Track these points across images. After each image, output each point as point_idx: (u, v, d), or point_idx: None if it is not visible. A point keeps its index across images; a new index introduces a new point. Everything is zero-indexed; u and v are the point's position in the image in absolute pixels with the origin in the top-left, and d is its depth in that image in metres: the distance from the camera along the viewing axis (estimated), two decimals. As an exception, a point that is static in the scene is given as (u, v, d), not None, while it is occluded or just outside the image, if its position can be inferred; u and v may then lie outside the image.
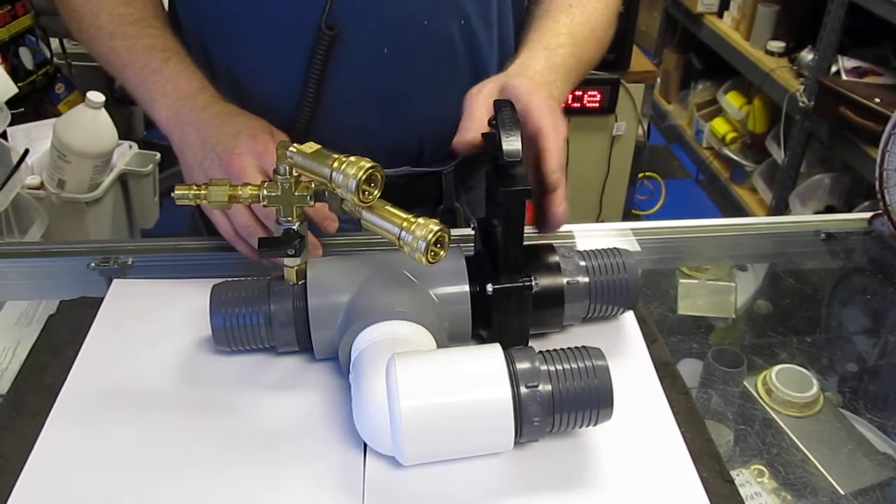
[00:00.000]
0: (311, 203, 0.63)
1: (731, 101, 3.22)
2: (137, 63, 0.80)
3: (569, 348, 0.59)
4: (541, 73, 0.75)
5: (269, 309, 0.65)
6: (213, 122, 0.76)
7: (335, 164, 0.58)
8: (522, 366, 0.57)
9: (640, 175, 2.76)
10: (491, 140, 0.65)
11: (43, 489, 0.57)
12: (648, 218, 2.98)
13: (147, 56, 0.80)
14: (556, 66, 0.78)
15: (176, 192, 0.63)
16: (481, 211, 1.00)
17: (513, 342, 0.61)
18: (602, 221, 2.55)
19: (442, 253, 0.58)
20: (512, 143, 0.61)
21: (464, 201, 0.98)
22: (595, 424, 0.59)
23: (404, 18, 0.81)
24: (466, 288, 0.66)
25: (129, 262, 0.81)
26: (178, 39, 0.85)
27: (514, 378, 0.56)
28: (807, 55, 2.64)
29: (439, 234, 0.57)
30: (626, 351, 0.71)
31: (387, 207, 0.59)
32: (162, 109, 0.79)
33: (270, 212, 0.70)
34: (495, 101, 0.66)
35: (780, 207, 2.75)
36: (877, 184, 0.88)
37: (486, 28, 0.86)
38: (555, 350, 0.59)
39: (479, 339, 0.69)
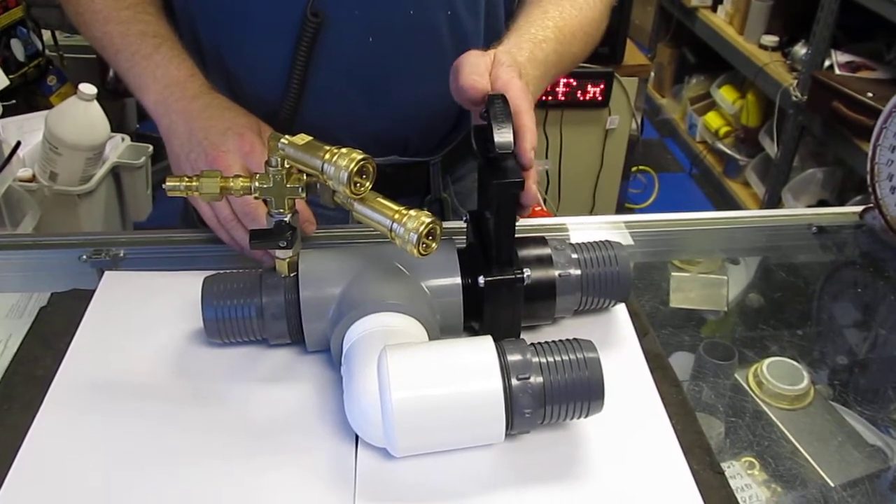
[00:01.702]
0: (303, 195, 0.63)
1: (725, 95, 3.23)
2: (129, 48, 0.81)
3: (560, 340, 0.59)
4: (524, 64, 0.75)
5: (261, 301, 0.65)
6: (202, 114, 0.76)
7: (327, 156, 0.58)
8: (514, 358, 0.57)
9: (634, 169, 2.77)
10: (482, 132, 0.65)
11: (34, 481, 0.57)
12: (642, 212, 2.98)
13: (139, 41, 0.80)
14: (537, 60, 0.77)
15: (167, 183, 0.63)
16: (469, 202, 1.01)
17: (505, 335, 0.61)
18: (595, 215, 2.55)
19: (434, 245, 0.58)
20: (503, 136, 0.61)
21: (451, 192, 0.98)
22: (586, 416, 0.59)
23: (390, 7, 0.81)
24: (458, 280, 0.66)
25: (121, 255, 0.81)
26: (171, 26, 0.85)
27: (506, 370, 0.56)
28: (800, 49, 2.65)
29: (431, 226, 0.57)
30: (617, 343, 0.72)
31: (378, 199, 0.59)
32: (151, 95, 0.79)
33: (249, 210, 0.70)
34: (489, 95, 0.66)
35: (773, 201, 2.76)
36: (868, 178, 0.88)
37: (473, 18, 0.86)
38: (546, 342, 0.59)
39: (471, 331, 0.69)
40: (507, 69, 0.69)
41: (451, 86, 0.71)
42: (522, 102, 0.67)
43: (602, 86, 2.32)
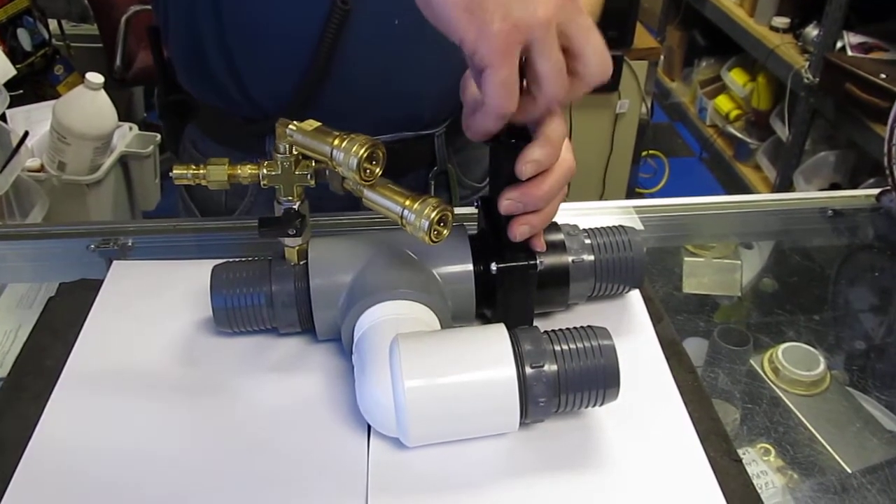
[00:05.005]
0: (312, 182, 0.62)
1: (735, 78, 3.20)
2: None
3: (574, 328, 0.58)
4: None
5: (271, 289, 0.65)
6: None
7: (336, 142, 0.57)
8: (527, 346, 0.56)
9: (644, 153, 2.75)
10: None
11: (45, 471, 0.57)
12: (652, 196, 2.97)
13: None
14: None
15: (174, 171, 0.62)
16: (473, 172, 1.00)
17: (518, 321, 0.60)
18: (605, 199, 2.54)
19: (445, 232, 0.57)
20: None
21: (455, 163, 0.97)
22: (601, 404, 0.58)
23: None
24: (470, 267, 0.65)
25: (129, 244, 0.81)
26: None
27: (520, 358, 0.56)
28: (812, 31, 2.62)
29: (442, 212, 0.56)
30: (632, 330, 0.71)
31: (389, 186, 0.58)
32: None
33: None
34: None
35: (785, 185, 2.74)
36: (885, 160, 0.86)
37: None
38: (560, 329, 0.58)
39: (484, 318, 0.69)
40: None
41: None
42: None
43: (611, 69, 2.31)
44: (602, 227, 0.70)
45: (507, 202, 0.61)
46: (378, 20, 0.81)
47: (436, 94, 0.88)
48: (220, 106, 0.90)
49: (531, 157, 0.59)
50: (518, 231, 0.62)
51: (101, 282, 0.75)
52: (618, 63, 2.31)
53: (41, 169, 1.78)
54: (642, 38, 2.43)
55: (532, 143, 0.60)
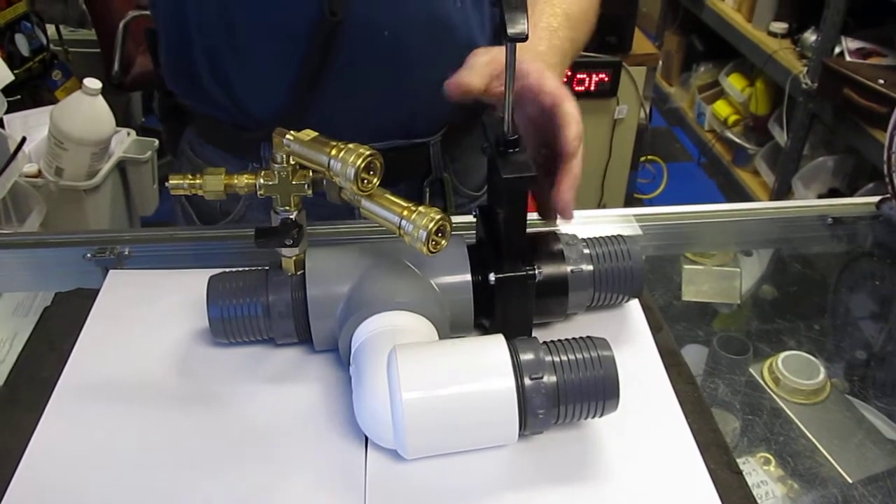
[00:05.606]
0: (309, 192, 0.62)
1: (734, 83, 3.20)
2: None
3: (574, 338, 0.58)
4: (545, 53, 0.74)
5: (268, 300, 0.64)
6: None
7: (333, 152, 0.57)
8: (526, 356, 0.56)
9: (642, 158, 2.75)
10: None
11: (40, 483, 0.57)
12: (651, 201, 2.97)
13: None
14: (556, 48, 0.77)
15: (170, 181, 0.62)
16: (468, 181, 1.00)
17: (516, 332, 0.60)
18: (604, 206, 2.54)
19: (443, 242, 0.57)
20: (517, 25, 0.55)
21: (451, 171, 0.97)
22: (601, 416, 0.58)
23: (404, 2, 0.80)
24: (468, 277, 0.65)
25: (126, 253, 0.80)
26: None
27: (519, 369, 0.55)
28: (810, 36, 2.62)
29: (440, 223, 0.56)
30: (631, 340, 0.70)
31: (386, 196, 0.58)
32: None
33: None
34: None
35: (783, 190, 2.74)
36: (885, 167, 0.86)
37: (477, 11, 0.86)
38: (559, 340, 0.58)
39: (482, 328, 0.68)
40: (532, 64, 0.68)
41: None
42: (562, 91, 0.66)
43: (610, 75, 2.31)
44: (601, 237, 0.70)
45: (568, 193, 0.66)
46: (368, 32, 0.81)
47: (428, 103, 0.88)
48: (212, 114, 0.89)
49: (576, 133, 0.65)
50: (570, 213, 0.67)
51: (98, 291, 0.74)
52: (616, 69, 2.31)
53: (38, 174, 1.78)
54: (640, 43, 2.43)
55: (564, 124, 0.65)
